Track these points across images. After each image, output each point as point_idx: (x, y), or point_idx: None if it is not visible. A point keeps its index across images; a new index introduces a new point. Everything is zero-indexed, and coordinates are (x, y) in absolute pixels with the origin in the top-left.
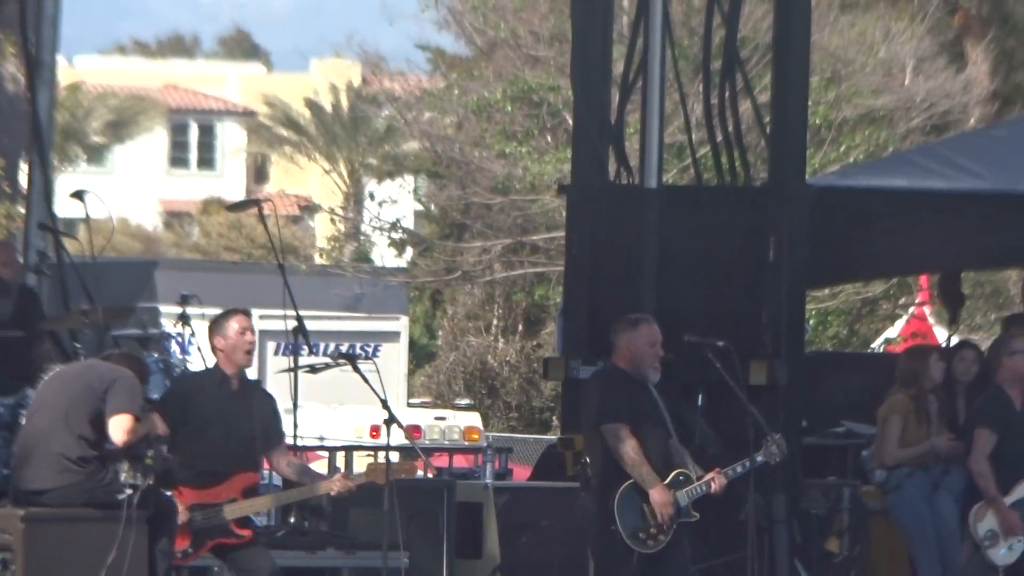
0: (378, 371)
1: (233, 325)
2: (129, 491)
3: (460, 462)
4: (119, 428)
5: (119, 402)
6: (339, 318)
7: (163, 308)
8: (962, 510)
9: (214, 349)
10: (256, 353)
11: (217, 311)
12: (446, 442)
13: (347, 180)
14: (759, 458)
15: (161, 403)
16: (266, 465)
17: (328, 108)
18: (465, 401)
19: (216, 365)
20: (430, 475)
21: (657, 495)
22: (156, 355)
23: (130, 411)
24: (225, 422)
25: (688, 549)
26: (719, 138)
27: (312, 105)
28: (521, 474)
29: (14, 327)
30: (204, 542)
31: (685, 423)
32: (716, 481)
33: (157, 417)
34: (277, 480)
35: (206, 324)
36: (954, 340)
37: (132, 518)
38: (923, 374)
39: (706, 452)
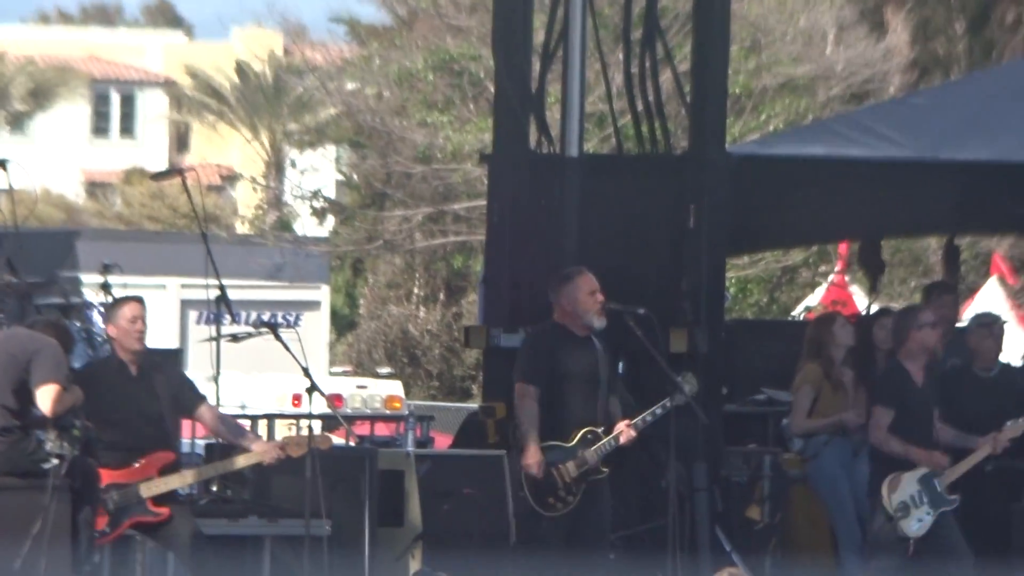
0: (300, 340)
1: (125, 313)
2: (55, 460)
3: (382, 430)
4: (46, 398)
5: (45, 372)
6: (261, 287)
7: (85, 277)
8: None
9: (108, 336)
10: (176, 321)
11: (140, 280)
12: (368, 410)
13: (268, 149)
14: (670, 402)
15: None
16: (200, 430)
17: (251, 75)
18: (386, 370)
19: (113, 352)
20: (352, 443)
21: (527, 456)
22: (79, 324)
23: (57, 381)
24: (131, 407)
25: (607, 512)
26: (640, 107)
27: (240, 71)
28: (443, 442)
29: None
30: (121, 521)
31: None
32: (624, 433)
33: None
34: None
35: (127, 293)
36: (874, 307)
37: (57, 487)
38: (829, 342)
39: (625, 411)
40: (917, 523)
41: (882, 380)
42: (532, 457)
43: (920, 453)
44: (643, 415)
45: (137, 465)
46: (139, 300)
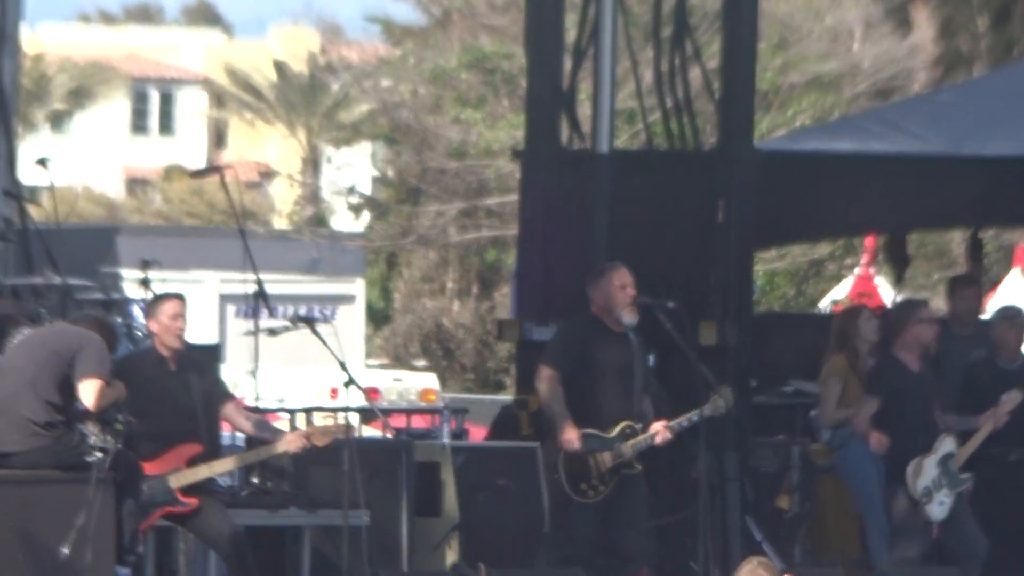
0: (336, 334)
1: (166, 310)
2: (99, 454)
3: (417, 423)
4: (90, 393)
5: (89, 367)
6: (298, 282)
7: (125, 273)
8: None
9: (149, 331)
10: (215, 315)
11: (179, 275)
12: (403, 403)
13: (305, 146)
14: (707, 411)
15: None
16: (227, 427)
17: (288, 73)
18: (421, 363)
19: (152, 346)
20: (388, 435)
21: (566, 432)
22: (120, 319)
23: (100, 376)
24: (166, 400)
25: (644, 504)
26: (669, 104)
27: (277, 69)
28: (477, 434)
29: None
30: (151, 512)
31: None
32: (661, 434)
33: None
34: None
35: (167, 288)
36: (900, 299)
37: (101, 480)
38: (854, 335)
39: (657, 405)
40: (939, 506)
41: (874, 371)
42: (571, 432)
43: (876, 438)
44: (680, 420)
45: (166, 457)
46: (180, 297)
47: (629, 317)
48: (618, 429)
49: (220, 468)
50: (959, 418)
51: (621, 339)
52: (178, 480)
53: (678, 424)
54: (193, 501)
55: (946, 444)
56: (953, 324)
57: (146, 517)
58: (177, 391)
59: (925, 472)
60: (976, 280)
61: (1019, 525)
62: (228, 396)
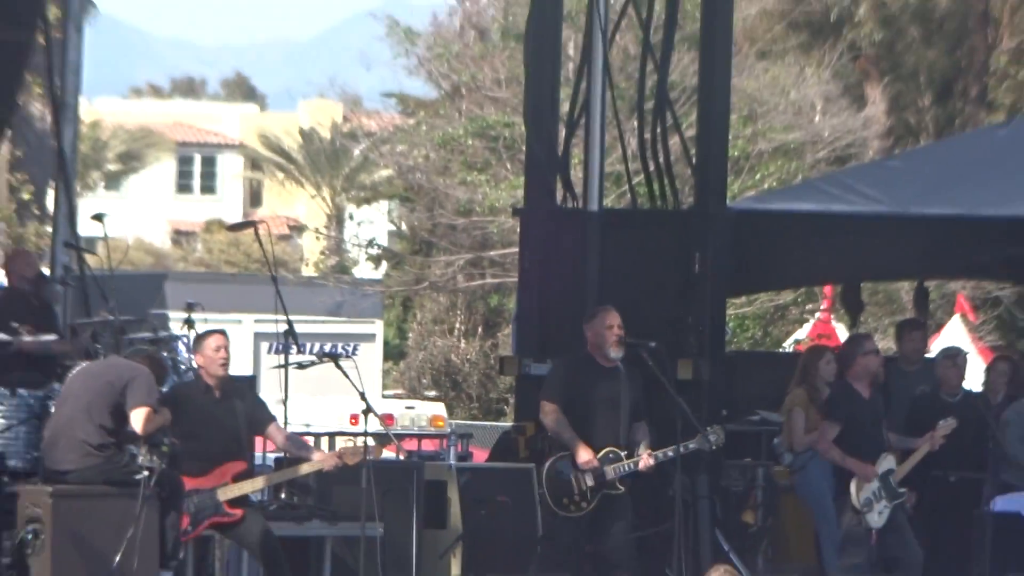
0: (357, 368)
1: (210, 344)
2: (145, 472)
3: (427, 446)
4: (139, 419)
5: (139, 397)
6: (323, 322)
7: (171, 314)
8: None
9: (196, 364)
10: (249, 352)
11: (219, 316)
12: (415, 428)
13: (330, 204)
14: (693, 446)
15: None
16: (270, 446)
17: (315, 140)
18: (432, 393)
19: (199, 376)
20: (401, 457)
21: (581, 455)
22: (167, 355)
23: (148, 404)
24: (213, 424)
25: (626, 519)
26: (652, 168)
27: (305, 136)
28: (480, 456)
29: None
30: (201, 521)
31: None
32: (643, 460)
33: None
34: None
35: (208, 327)
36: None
37: (149, 497)
38: (815, 373)
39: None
40: (879, 515)
41: (830, 399)
42: (586, 455)
43: (855, 464)
44: (665, 450)
45: (214, 473)
46: (223, 333)
47: (614, 353)
48: (601, 454)
49: (260, 484)
50: (900, 438)
51: (611, 373)
52: (225, 494)
53: (663, 453)
54: (238, 512)
55: (887, 461)
56: (901, 362)
57: (196, 526)
58: (223, 416)
59: (866, 485)
60: (922, 324)
61: (958, 537)
62: (271, 418)
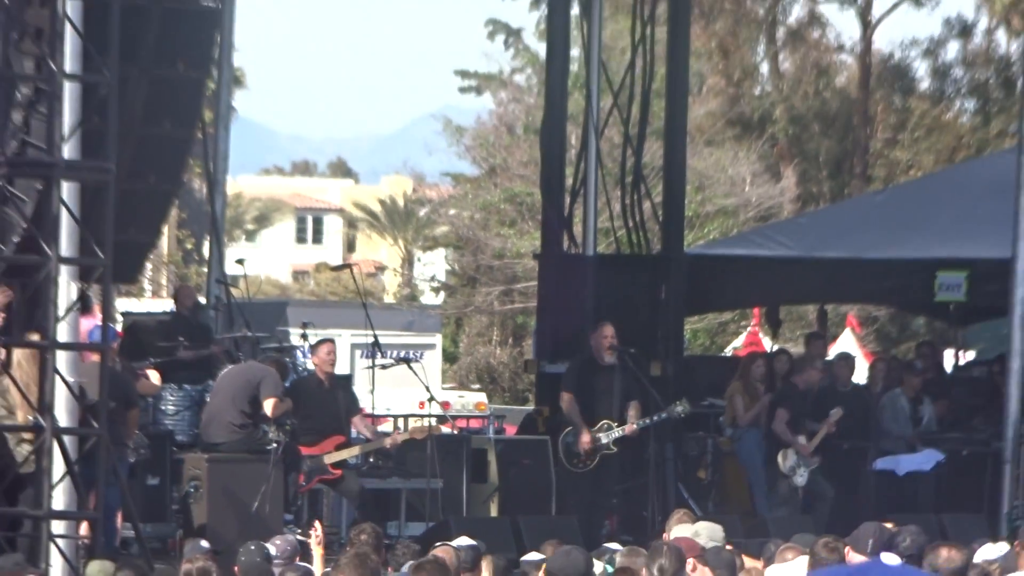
0: (423, 368)
1: (323, 349)
2: (275, 444)
3: (474, 424)
4: (270, 407)
5: (269, 390)
6: (399, 335)
7: (291, 330)
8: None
9: (312, 363)
10: (347, 357)
11: (326, 332)
12: (465, 412)
13: (403, 251)
14: (664, 415)
15: (287, 394)
16: (355, 427)
17: (393, 205)
18: (476, 386)
19: (313, 373)
20: (455, 432)
21: (583, 436)
22: (288, 359)
23: (276, 396)
24: (323, 408)
25: (615, 474)
26: (631, 224)
27: (386, 202)
28: (511, 431)
29: (197, 346)
30: (312, 478)
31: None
32: (629, 427)
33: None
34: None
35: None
36: (775, 348)
37: (276, 461)
38: (749, 371)
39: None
40: (800, 477)
41: (778, 392)
42: (586, 436)
43: (796, 441)
44: (643, 420)
45: (322, 444)
46: (332, 341)
47: (608, 357)
48: (597, 425)
49: (356, 452)
50: (811, 422)
51: (607, 369)
52: (330, 458)
53: (642, 422)
54: (338, 472)
55: (801, 439)
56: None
57: (309, 482)
58: (330, 402)
59: (789, 456)
60: (823, 336)
61: (851, 488)
62: (358, 411)
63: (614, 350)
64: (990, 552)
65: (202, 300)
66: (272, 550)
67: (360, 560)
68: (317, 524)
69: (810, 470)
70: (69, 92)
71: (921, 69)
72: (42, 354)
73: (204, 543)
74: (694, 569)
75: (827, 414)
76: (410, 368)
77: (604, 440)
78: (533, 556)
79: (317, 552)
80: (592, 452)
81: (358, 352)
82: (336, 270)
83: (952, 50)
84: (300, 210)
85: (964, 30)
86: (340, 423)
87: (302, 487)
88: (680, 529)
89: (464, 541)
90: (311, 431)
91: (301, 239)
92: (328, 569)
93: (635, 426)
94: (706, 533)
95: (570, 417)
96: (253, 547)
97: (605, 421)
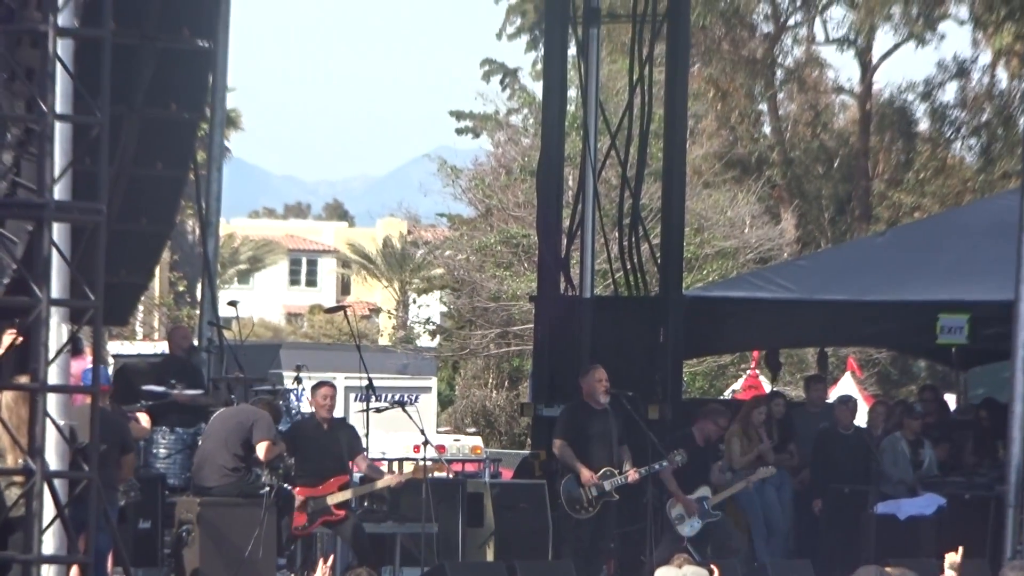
0: (418, 411)
1: (320, 393)
2: (267, 488)
3: (469, 467)
4: (262, 450)
5: (261, 433)
6: (394, 378)
7: (285, 373)
8: (780, 497)
9: (312, 406)
10: (342, 401)
11: (320, 375)
12: (460, 455)
13: (398, 293)
14: (664, 463)
15: (285, 437)
16: (355, 469)
17: (388, 247)
18: (472, 430)
19: (312, 415)
20: (450, 475)
21: (584, 475)
22: (281, 402)
23: (268, 439)
24: (323, 450)
25: (614, 520)
26: (628, 266)
27: (381, 244)
28: (507, 475)
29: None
30: (315, 520)
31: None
32: (631, 475)
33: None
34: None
35: (311, 383)
36: (772, 391)
37: (268, 505)
38: (749, 416)
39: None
40: (690, 528)
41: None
42: (588, 475)
43: (678, 493)
44: (647, 467)
45: (324, 485)
46: (331, 385)
47: (603, 399)
48: (600, 472)
49: (358, 492)
50: (720, 475)
51: (602, 414)
52: (333, 499)
53: (646, 469)
54: (342, 512)
55: (701, 490)
56: (808, 406)
57: (312, 523)
58: (330, 443)
59: (676, 506)
60: (823, 379)
61: (852, 532)
62: (361, 450)
63: (609, 394)
64: None
65: (194, 342)
66: None
67: None
68: (322, 562)
69: (707, 521)
70: (60, 133)
71: (920, 111)
72: (32, 396)
73: None
74: None
75: (830, 458)
76: (405, 412)
77: (608, 488)
78: None
79: None
80: (596, 497)
81: (352, 395)
82: (330, 312)
83: (950, 91)
84: (293, 252)
85: (960, 71)
86: (342, 464)
87: (306, 528)
88: (662, 572)
89: None
90: (311, 473)
91: (295, 281)
92: None
93: (638, 474)
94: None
95: (565, 462)
96: None
97: (607, 468)
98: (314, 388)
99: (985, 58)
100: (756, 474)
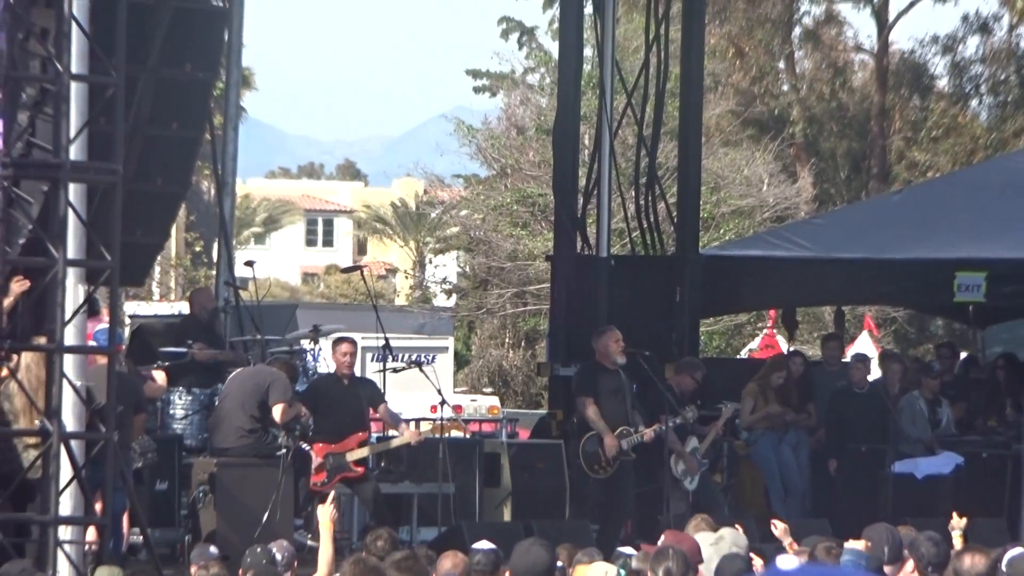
0: (435, 371)
1: (340, 349)
2: (284, 449)
3: (486, 427)
4: (278, 412)
5: (277, 395)
6: (411, 338)
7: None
8: (797, 457)
9: (333, 360)
10: (359, 361)
11: (335, 335)
12: (477, 415)
13: (415, 253)
14: (678, 420)
15: (305, 394)
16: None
17: (404, 207)
18: (489, 390)
19: (333, 372)
20: (467, 436)
21: (608, 440)
22: (298, 362)
23: (284, 400)
24: (343, 404)
25: (633, 479)
26: (645, 225)
27: (396, 205)
28: (524, 435)
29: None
30: (334, 477)
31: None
32: (646, 434)
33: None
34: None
35: (328, 343)
36: (790, 350)
37: (286, 466)
38: (766, 377)
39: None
40: (692, 482)
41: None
42: (612, 440)
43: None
44: (660, 426)
45: (344, 440)
46: (351, 341)
47: (621, 359)
48: (617, 432)
49: (376, 450)
50: (696, 425)
51: (615, 374)
52: (352, 455)
53: (660, 427)
54: (361, 469)
55: (691, 442)
56: (825, 365)
57: (331, 480)
58: (350, 399)
59: (680, 462)
60: (839, 337)
61: (869, 491)
62: (383, 400)
63: (625, 353)
64: (1016, 554)
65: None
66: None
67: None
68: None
69: (702, 473)
70: (75, 93)
71: (939, 66)
72: (49, 357)
73: (213, 549)
74: None
75: (845, 417)
76: (422, 371)
77: (625, 447)
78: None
79: (326, 527)
80: (615, 456)
81: (369, 355)
82: (346, 272)
83: (972, 46)
84: (310, 212)
85: (983, 26)
86: (362, 420)
87: (325, 484)
88: (701, 537)
89: (484, 545)
90: (330, 429)
91: (311, 241)
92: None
93: (652, 432)
94: (730, 538)
95: (595, 424)
96: (259, 549)
97: (623, 428)
98: (334, 344)
99: (1007, 19)
100: (722, 415)
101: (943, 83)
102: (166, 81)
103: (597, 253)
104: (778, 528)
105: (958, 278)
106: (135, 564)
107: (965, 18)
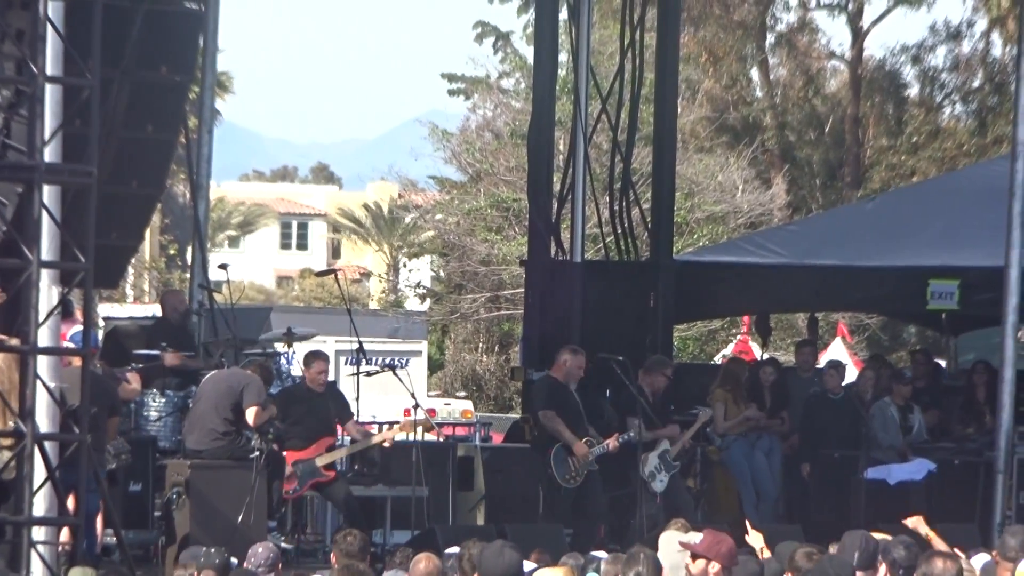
0: (409, 375)
1: (315, 367)
2: (257, 453)
3: (460, 431)
4: (252, 415)
5: (251, 398)
6: (384, 342)
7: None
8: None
9: (306, 376)
10: (333, 364)
11: (310, 344)
12: (451, 419)
13: (389, 257)
14: (631, 434)
15: (276, 400)
16: (345, 434)
17: (378, 211)
18: (462, 394)
19: (304, 380)
20: (440, 439)
21: (579, 448)
22: (271, 366)
23: (258, 404)
24: (313, 413)
25: (601, 487)
26: (619, 231)
27: (371, 208)
28: (497, 439)
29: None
30: (305, 483)
31: (598, 407)
32: (611, 444)
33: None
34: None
35: (302, 346)
36: (763, 357)
37: (259, 469)
38: (735, 377)
39: (610, 424)
40: (660, 483)
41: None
42: (582, 448)
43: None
44: (624, 435)
45: (313, 446)
46: (326, 359)
47: (575, 384)
48: (584, 440)
49: (344, 452)
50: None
51: (569, 391)
52: (322, 460)
53: (625, 436)
54: (331, 474)
55: (663, 444)
56: (798, 371)
57: (303, 486)
58: (320, 407)
59: (649, 462)
60: (813, 343)
61: (841, 497)
62: (350, 416)
63: (599, 360)
64: (984, 562)
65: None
66: (252, 558)
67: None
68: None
69: (672, 474)
70: (50, 95)
71: (910, 75)
72: (23, 359)
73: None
74: None
75: (819, 423)
76: (395, 375)
77: (591, 456)
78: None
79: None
80: (582, 466)
81: (343, 359)
82: (320, 275)
83: (940, 55)
84: (284, 215)
85: (955, 34)
86: (329, 427)
87: (297, 492)
88: (672, 536)
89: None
90: (302, 436)
91: (286, 245)
92: None
93: (616, 442)
94: None
95: (557, 433)
96: (213, 551)
97: (588, 438)
98: (307, 360)
99: (982, 24)
100: (698, 419)
101: (914, 92)
102: (141, 84)
103: (571, 258)
104: (752, 536)
105: (931, 286)
106: (109, 565)
107: (933, 27)
